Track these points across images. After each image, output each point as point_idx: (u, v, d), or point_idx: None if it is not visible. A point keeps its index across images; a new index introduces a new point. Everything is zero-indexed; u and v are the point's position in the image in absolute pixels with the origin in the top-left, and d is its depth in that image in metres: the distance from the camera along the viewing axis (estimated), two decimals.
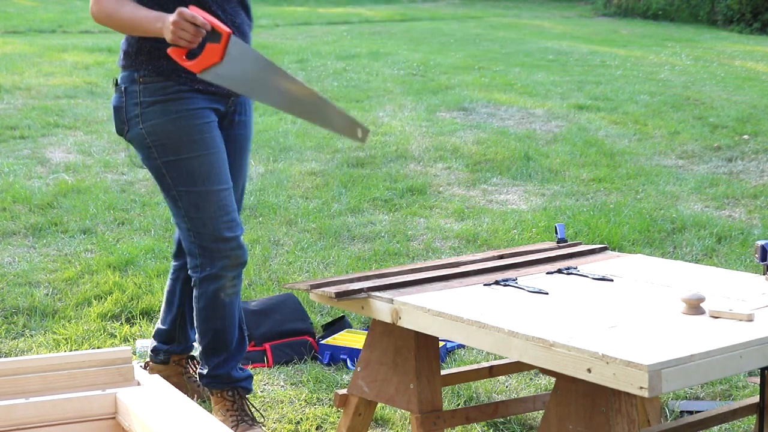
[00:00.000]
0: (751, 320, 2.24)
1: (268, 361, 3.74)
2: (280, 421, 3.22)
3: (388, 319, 2.51)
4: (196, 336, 3.18)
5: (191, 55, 2.66)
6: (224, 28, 2.63)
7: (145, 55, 2.91)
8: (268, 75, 2.66)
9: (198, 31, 2.63)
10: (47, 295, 4.25)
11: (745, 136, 8.09)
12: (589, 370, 2.03)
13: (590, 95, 9.93)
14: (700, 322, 2.25)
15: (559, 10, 22.83)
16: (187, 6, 2.70)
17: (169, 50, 2.66)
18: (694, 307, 2.32)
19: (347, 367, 3.66)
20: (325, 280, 2.77)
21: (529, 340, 2.15)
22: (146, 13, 2.76)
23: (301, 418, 3.24)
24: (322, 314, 4.17)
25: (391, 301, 2.50)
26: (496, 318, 2.29)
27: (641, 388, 1.93)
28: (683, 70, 12.31)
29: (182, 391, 2.58)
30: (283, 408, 3.32)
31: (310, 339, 3.83)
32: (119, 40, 3.03)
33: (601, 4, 22.59)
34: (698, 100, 9.79)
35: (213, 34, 2.62)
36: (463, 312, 2.34)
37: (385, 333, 2.66)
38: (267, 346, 3.75)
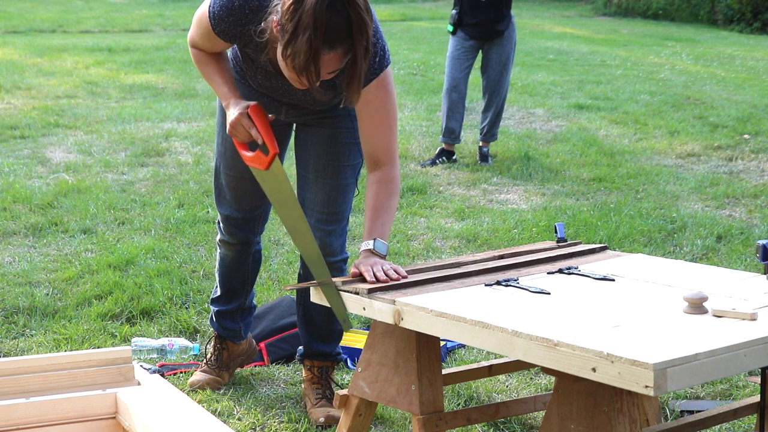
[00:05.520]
0: (755, 319, 2.23)
1: (264, 360, 3.74)
2: (281, 421, 3.21)
3: (390, 320, 2.50)
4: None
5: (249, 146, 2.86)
6: (273, 146, 2.80)
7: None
8: (289, 209, 2.90)
9: (249, 138, 2.80)
10: (47, 294, 4.25)
11: (746, 136, 8.09)
12: (594, 370, 2.02)
13: (590, 95, 9.93)
14: (704, 321, 2.25)
15: (559, 9, 22.83)
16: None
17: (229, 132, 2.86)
18: (697, 306, 2.31)
19: (347, 367, 3.65)
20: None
21: (533, 340, 2.14)
22: (220, 85, 2.91)
23: (301, 418, 3.23)
24: None
25: (393, 302, 2.49)
26: (499, 318, 2.28)
27: (647, 387, 1.93)
28: (683, 69, 12.31)
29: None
30: (283, 408, 3.32)
31: None
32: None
33: (602, 4, 22.59)
34: (698, 100, 9.79)
35: (264, 147, 2.81)
36: (465, 312, 2.33)
37: (386, 334, 2.65)
38: (262, 345, 3.75)
